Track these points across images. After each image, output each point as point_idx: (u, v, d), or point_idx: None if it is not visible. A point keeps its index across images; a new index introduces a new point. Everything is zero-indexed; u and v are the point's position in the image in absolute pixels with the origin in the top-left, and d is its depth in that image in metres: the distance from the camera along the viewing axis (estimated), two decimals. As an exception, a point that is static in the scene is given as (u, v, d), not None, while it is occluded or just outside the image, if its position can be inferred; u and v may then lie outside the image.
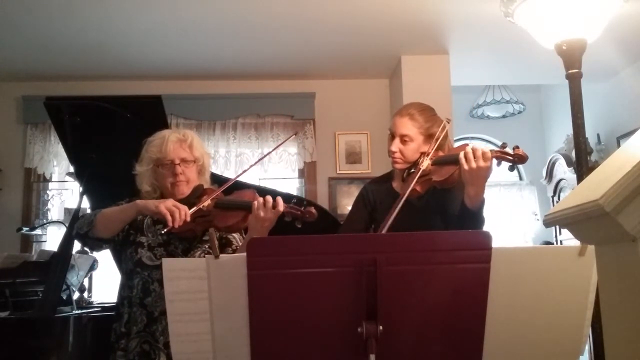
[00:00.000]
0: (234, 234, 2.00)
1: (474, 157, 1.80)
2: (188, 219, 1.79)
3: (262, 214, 1.77)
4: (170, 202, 1.81)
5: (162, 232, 1.81)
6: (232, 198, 1.93)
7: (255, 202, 1.79)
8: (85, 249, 2.91)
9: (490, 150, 1.83)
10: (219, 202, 1.89)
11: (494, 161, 1.83)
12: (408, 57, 4.19)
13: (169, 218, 1.76)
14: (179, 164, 1.93)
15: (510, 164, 1.82)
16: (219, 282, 1.23)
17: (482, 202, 1.89)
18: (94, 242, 1.96)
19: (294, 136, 2.34)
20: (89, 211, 2.98)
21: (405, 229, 1.94)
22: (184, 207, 1.80)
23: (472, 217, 1.90)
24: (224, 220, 1.86)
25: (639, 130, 1.12)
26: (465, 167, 1.81)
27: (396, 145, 2.04)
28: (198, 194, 1.94)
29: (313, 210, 1.80)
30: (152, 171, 1.98)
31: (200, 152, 2.02)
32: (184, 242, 1.95)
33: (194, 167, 1.99)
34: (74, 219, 2.67)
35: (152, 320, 1.88)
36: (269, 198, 1.80)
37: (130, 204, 1.89)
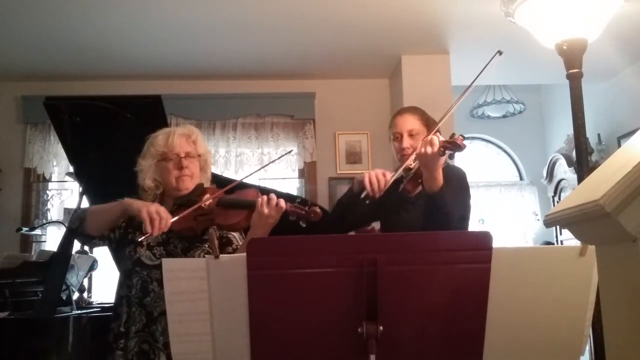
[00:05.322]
0: (234, 234, 2.00)
1: (425, 144, 1.88)
2: (166, 229, 1.77)
3: (266, 211, 1.79)
4: (154, 208, 1.77)
5: (138, 240, 1.79)
6: (234, 197, 1.94)
7: (259, 199, 1.82)
8: (85, 248, 2.92)
9: (439, 140, 1.90)
10: (221, 201, 1.90)
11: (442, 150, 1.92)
12: (408, 57, 4.18)
13: (148, 224, 1.73)
14: (184, 157, 1.95)
15: (450, 152, 1.89)
16: (219, 282, 1.23)
17: (441, 188, 1.91)
18: (84, 239, 1.97)
19: (288, 154, 2.38)
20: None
21: (411, 228, 2.02)
22: (166, 217, 1.76)
23: (430, 201, 1.93)
24: (226, 219, 1.87)
25: (639, 130, 1.12)
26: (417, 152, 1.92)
27: (407, 141, 2.13)
28: (199, 192, 1.94)
29: (318, 209, 1.82)
30: (155, 166, 1.97)
31: (203, 149, 2.05)
32: (184, 241, 1.94)
33: (198, 162, 2.00)
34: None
35: (151, 320, 1.86)
36: (273, 195, 1.83)
37: (115, 202, 1.88)
